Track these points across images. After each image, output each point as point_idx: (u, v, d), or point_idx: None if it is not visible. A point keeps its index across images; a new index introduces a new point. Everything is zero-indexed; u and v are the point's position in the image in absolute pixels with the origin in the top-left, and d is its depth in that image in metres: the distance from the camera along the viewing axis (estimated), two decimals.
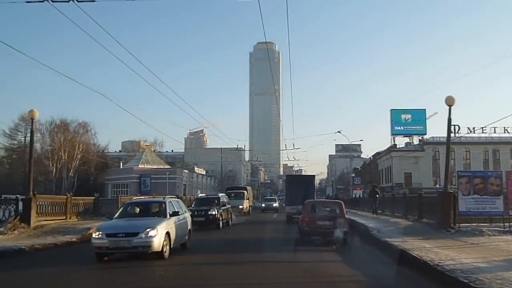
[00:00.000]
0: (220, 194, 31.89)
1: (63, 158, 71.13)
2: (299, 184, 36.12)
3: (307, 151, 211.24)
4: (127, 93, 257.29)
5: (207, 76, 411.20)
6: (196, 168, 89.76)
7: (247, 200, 46.75)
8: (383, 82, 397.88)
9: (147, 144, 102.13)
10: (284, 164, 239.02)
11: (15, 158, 76.53)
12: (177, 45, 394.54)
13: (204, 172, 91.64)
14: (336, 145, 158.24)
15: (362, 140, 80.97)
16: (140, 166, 75.70)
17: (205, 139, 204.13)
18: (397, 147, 78.75)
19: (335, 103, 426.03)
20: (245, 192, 48.19)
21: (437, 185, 70.87)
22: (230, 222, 29.16)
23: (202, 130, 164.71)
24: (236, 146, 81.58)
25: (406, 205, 24.64)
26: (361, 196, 64.74)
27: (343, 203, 19.61)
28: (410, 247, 12.41)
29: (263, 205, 58.69)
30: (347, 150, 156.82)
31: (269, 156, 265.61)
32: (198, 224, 23.40)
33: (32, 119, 20.00)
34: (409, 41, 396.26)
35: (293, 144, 53.54)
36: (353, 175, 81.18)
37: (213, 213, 25.58)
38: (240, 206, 42.70)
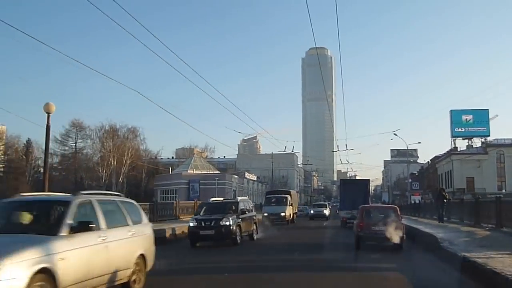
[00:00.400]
0: (239, 198, 23.66)
1: (112, 164, 70.20)
2: (353, 189, 35.74)
3: (361, 153, 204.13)
4: (182, 101, 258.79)
5: (260, 82, 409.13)
6: (246, 174, 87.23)
7: (291, 207, 39.11)
8: (441, 85, 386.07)
9: (198, 150, 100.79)
10: (338, 170, 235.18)
11: (66, 164, 76.39)
12: (232, 53, 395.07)
13: (255, 178, 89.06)
14: (391, 150, 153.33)
15: (419, 143, 76.20)
16: (189, 171, 73.96)
17: (258, 146, 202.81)
18: (458, 150, 73.80)
19: (389, 107, 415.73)
20: (288, 196, 40.23)
21: (503, 190, 65.93)
22: (254, 236, 22.29)
23: (255, 136, 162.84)
24: (288, 151, 78.98)
25: (478, 211, 21.10)
26: (419, 202, 60.83)
27: (398, 208, 19.07)
28: (501, 266, 8.99)
29: (312, 211, 51.77)
30: (403, 155, 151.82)
31: (323, 162, 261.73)
32: (205, 239, 19.17)
33: (48, 113, 17.62)
34: (469, 44, 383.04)
35: (346, 145, 48.87)
36: (410, 180, 76.51)
37: (227, 223, 18.88)
38: (282, 213, 36.93)
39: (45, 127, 17.65)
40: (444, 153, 78.41)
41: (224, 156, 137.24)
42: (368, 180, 42.01)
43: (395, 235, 16.16)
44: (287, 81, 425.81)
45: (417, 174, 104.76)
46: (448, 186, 75.31)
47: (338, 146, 66.34)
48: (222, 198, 26.15)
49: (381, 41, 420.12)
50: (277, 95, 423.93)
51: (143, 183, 79.73)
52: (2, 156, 75.83)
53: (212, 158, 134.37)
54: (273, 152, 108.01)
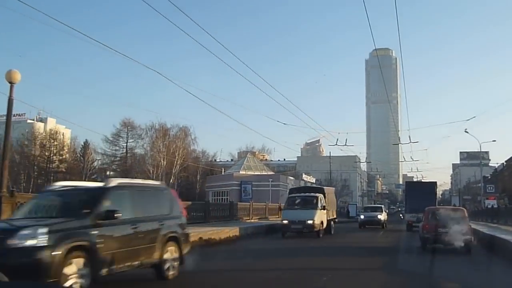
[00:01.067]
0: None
1: (162, 164, 67.08)
2: (419, 191, 34.66)
3: (428, 149, 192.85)
4: (246, 102, 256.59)
5: (324, 86, 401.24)
6: (304, 176, 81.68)
7: (323, 211, 26.31)
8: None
9: (255, 152, 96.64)
10: (403, 174, 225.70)
11: (117, 164, 74.21)
12: (293, 56, 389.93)
13: (313, 180, 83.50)
14: (460, 152, 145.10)
15: (494, 141, 68.41)
16: (241, 172, 69.71)
17: (321, 149, 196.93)
18: None
19: (457, 105, 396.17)
20: (320, 197, 26.77)
21: None
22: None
23: (318, 140, 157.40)
24: (349, 149, 74.17)
25: None
26: (497, 206, 54.00)
27: (465, 210, 19.08)
28: None
29: (362, 216, 39.90)
30: (473, 158, 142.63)
31: (387, 166, 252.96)
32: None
33: (11, 83, 13.49)
34: None
35: (409, 137, 41.52)
36: (483, 183, 68.82)
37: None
38: (309, 221, 24.47)
39: (7, 99, 13.52)
40: None
41: (284, 159, 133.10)
42: (435, 182, 40.05)
43: (462, 238, 15.85)
44: (351, 82, 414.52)
45: (489, 177, 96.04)
46: None
47: (399, 138, 59.91)
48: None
49: (447, 41, 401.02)
50: (341, 97, 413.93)
51: (198, 185, 76.44)
52: (65, 157, 75.80)
53: (271, 160, 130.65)
54: (334, 155, 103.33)
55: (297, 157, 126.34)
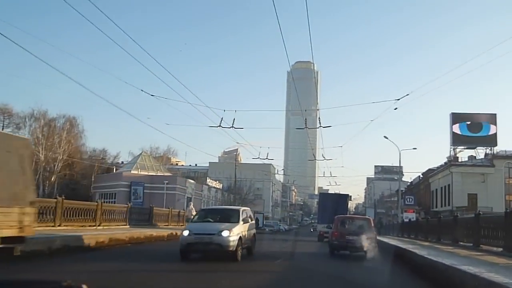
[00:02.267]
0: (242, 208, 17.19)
1: (40, 159, 55.74)
2: (332, 203, 34.87)
3: (344, 167, 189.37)
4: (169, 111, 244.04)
5: (245, 95, 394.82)
6: (209, 180, 71.80)
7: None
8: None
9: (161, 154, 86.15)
10: (319, 187, 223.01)
11: None
12: (216, 66, 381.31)
13: (220, 186, 74.14)
14: (375, 166, 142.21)
15: (415, 148, 63.06)
16: (133, 172, 59.21)
17: (239, 158, 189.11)
18: (459, 161, 60.31)
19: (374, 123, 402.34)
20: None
21: None
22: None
23: (237, 149, 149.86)
24: (263, 158, 66.51)
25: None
26: (416, 219, 47.68)
27: (372, 220, 21.11)
28: None
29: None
30: (387, 172, 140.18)
31: (304, 179, 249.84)
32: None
33: None
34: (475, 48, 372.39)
35: (323, 155, 35.76)
36: (403, 192, 62.41)
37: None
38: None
39: None
40: (441, 165, 64.84)
41: (196, 164, 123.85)
42: (347, 194, 41.17)
43: (367, 245, 16.86)
44: (272, 94, 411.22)
45: (404, 191, 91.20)
46: (444, 204, 61.78)
47: (314, 155, 53.30)
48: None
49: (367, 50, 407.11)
50: (263, 108, 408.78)
51: (92, 185, 65.18)
52: None
53: (183, 166, 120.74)
54: (249, 162, 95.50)
55: (209, 162, 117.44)
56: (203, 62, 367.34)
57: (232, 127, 27.35)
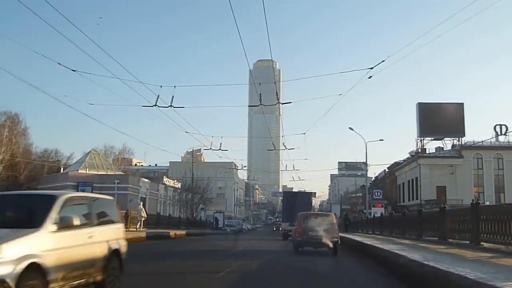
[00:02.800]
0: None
1: None
2: (296, 201, 34.48)
3: (307, 158, 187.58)
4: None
5: (208, 93, 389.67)
6: (165, 179, 67.07)
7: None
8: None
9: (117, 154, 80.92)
10: (283, 185, 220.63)
11: None
12: (176, 61, 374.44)
13: (178, 185, 69.30)
14: (339, 162, 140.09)
15: (382, 140, 59.85)
16: (80, 171, 54.23)
17: (202, 158, 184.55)
18: (427, 152, 57.65)
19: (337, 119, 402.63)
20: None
21: (481, 202, 49.98)
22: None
23: (200, 149, 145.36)
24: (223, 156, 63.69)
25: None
26: (382, 214, 44.59)
27: (334, 215, 21.19)
28: None
29: None
30: (351, 168, 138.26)
31: (268, 176, 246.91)
32: None
33: None
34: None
35: (283, 144, 32.94)
36: (367, 191, 59.19)
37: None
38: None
39: None
40: (407, 158, 62.11)
41: (156, 164, 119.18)
42: (311, 192, 42.87)
43: (330, 241, 17.13)
44: (235, 91, 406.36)
45: (369, 185, 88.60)
46: (411, 197, 59.14)
47: (274, 144, 49.71)
48: None
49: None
50: (225, 106, 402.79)
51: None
52: None
53: (142, 166, 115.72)
54: (211, 161, 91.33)
55: (170, 162, 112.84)
56: (162, 59, 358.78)
57: (171, 106, 22.62)
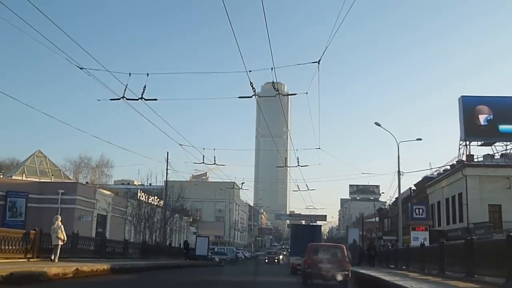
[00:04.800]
0: None
1: None
2: (305, 234, 33.01)
3: (315, 189, 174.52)
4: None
5: (215, 118, 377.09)
6: (140, 194, 51.27)
7: None
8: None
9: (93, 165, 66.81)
10: (291, 211, 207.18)
11: None
12: (186, 85, 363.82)
13: (160, 203, 53.86)
14: (350, 185, 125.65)
15: (420, 139, 45.67)
16: (15, 177, 39.98)
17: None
18: (475, 160, 43.23)
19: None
20: None
21: None
22: None
23: (206, 173, 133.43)
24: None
25: None
26: (425, 242, 30.44)
27: (345, 247, 19.34)
28: None
29: None
30: (363, 192, 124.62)
31: (275, 202, 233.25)
32: None
33: None
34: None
35: (297, 158, 22.06)
36: (404, 199, 44.48)
37: None
38: None
39: None
40: (446, 170, 47.48)
41: (150, 184, 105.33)
42: (320, 226, 44.86)
43: (340, 273, 16.37)
44: (242, 115, 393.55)
45: (387, 208, 74.02)
46: (452, 220, 44.42)
47: (286, 159, 36.83)
48: None
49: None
50: (231, 131, 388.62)
51: None
52: None
53: (134, 184, 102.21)
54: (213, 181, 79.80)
55: (164, 181, 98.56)
56: (168, 82, 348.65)
57: (142, 98, 19.05)
